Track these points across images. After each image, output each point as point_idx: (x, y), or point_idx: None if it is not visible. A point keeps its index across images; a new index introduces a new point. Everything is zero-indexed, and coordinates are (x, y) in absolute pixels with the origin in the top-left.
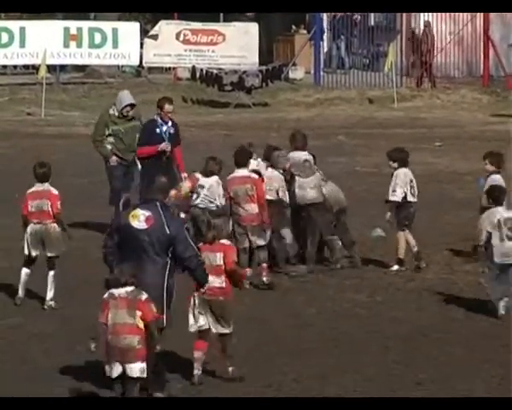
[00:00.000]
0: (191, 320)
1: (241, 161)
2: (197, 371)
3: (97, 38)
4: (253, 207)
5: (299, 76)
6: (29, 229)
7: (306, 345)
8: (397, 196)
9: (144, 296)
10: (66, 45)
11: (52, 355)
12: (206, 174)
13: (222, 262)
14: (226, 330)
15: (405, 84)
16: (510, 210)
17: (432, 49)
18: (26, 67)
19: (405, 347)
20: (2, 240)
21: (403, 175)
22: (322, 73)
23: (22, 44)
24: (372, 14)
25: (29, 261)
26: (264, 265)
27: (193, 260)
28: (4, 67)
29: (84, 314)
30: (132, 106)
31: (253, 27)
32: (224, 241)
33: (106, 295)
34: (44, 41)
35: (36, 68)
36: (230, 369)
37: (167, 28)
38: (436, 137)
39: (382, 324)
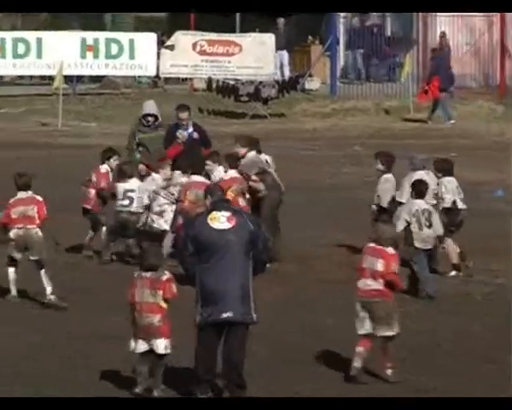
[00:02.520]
0: (358, 324)
1: (196, 169)
2: (356, 364)
3: (114, 48)
4: None
5: (315, 87)
6: (12, 234)
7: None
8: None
9: (166, 276)
10: (82, 56)
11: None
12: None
13: (382, 269)
14: (389, 333)
15: None
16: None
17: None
18: (42, 77)
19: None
20: None
21: (446, 183)
22: (338, 83)
23: (39, 55)
24: (388, 25)
25: (13, 261)
26: None
27: (266, 252)
28: (21, 77)
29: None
30: (153, 116)
31: (270, 38)
32: (388, 249)
33: (135, 275)
34: (61, 52)
35: (52, 79)
36: (389, 371)
37: (183, 39)
38: (452, 147)
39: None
